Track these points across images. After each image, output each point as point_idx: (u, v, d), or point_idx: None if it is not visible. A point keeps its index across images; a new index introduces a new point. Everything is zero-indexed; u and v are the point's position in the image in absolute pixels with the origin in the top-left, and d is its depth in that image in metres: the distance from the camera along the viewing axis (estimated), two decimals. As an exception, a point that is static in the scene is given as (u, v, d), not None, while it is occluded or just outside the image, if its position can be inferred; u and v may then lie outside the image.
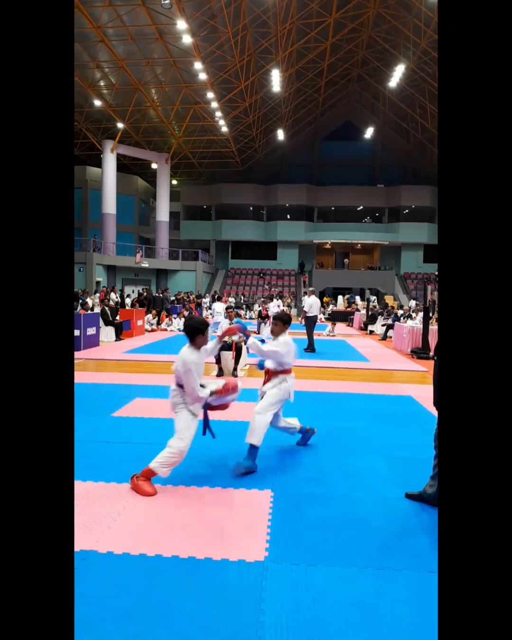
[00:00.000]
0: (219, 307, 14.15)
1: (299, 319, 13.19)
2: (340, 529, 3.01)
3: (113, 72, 23.27)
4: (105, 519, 3.05)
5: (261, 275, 35.10)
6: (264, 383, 4.24)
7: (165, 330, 17.20)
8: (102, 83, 24.46)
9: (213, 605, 2.25)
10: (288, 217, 35.62)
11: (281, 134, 30.58)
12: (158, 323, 17.66)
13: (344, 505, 3.36)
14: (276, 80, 22.13)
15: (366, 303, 23.98)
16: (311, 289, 12.09)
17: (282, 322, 4.21)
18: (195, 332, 3.56)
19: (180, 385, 3.55)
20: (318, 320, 12.42)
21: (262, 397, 4.14)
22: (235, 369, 8.21)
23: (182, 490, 3.53)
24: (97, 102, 24.59)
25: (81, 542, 2.73)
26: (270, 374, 4.22)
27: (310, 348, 11.72)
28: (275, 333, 4.24)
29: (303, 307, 11.74)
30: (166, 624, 2.12)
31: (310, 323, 11.54)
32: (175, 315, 18.07)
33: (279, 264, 35.83)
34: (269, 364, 4.20)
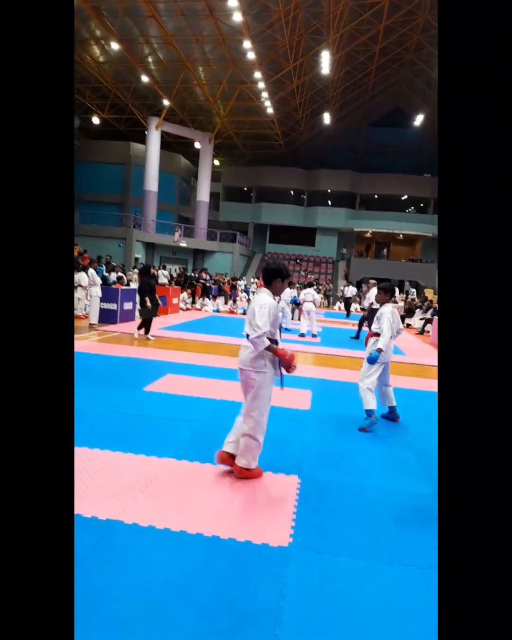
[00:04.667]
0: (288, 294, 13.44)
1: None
2: (367, 521, 2.95)
3: (161, 48, 23.10)
4: (133, 490, 3.07)
5: (298, 261, 34.73)
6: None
7: (200, 309, 17.28)
8: (150, 59, 24.35)
9: (234, 586, 2.24)
10: (329, 203, 34.99)
11: (327, 118, 29.86)
12: (193, 302, 17.75)
13: (372, 496, 3.30)
14: (325, 62, 21.51)
15: (405, 296, 23.54)
16: (372, 281, 11.92)
17: (385, 292, 5.07)
18: (277, 274, 3.33)
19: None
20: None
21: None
22: None
23: (209, 468, 3.53)
24: (145, 78, 24.54)
25: (108, 511, 2.76)
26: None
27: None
28: (380, 301, 5.09)
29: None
30: (187, 599, 2.12)
31: (371, 316, 11.42)
32: (208, 298, 18.13)
33: (316, 251, 35.37)
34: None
